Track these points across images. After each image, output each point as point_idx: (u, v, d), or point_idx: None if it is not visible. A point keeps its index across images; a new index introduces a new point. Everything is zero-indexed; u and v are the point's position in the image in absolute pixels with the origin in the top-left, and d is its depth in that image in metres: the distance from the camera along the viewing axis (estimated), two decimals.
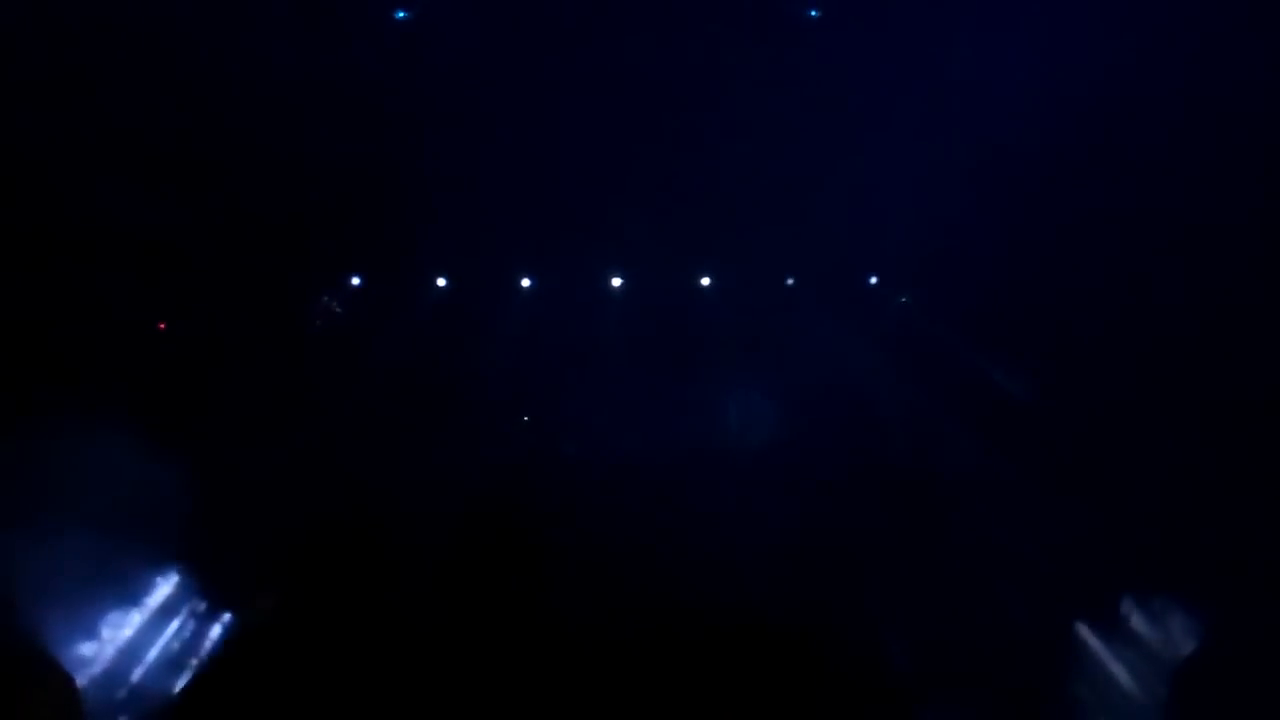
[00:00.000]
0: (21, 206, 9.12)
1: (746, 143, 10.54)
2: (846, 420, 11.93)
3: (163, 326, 11.68)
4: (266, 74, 9.36)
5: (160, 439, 9.56)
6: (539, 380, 13.27)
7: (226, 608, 10.71)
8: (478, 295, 13.37)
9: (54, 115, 8.95)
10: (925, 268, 12.39)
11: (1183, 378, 9.30)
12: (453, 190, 11.14)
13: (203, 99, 9.50)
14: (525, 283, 13.30)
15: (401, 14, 9.49)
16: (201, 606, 10.60)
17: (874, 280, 13.25)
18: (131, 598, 9.98)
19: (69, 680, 7.79)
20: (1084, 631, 10.00)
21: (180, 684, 9.74)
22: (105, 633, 9.58)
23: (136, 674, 9.64)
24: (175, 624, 10.29)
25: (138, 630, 9.90)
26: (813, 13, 9.17)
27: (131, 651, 9.72)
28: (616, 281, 13.20)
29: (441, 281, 13.29)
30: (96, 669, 9.29)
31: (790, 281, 13.14)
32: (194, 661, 10.10)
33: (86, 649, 9.27)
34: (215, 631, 10.50)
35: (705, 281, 13.14)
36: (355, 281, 13.37)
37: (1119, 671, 9.64)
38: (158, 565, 10.38)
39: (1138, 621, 9.69)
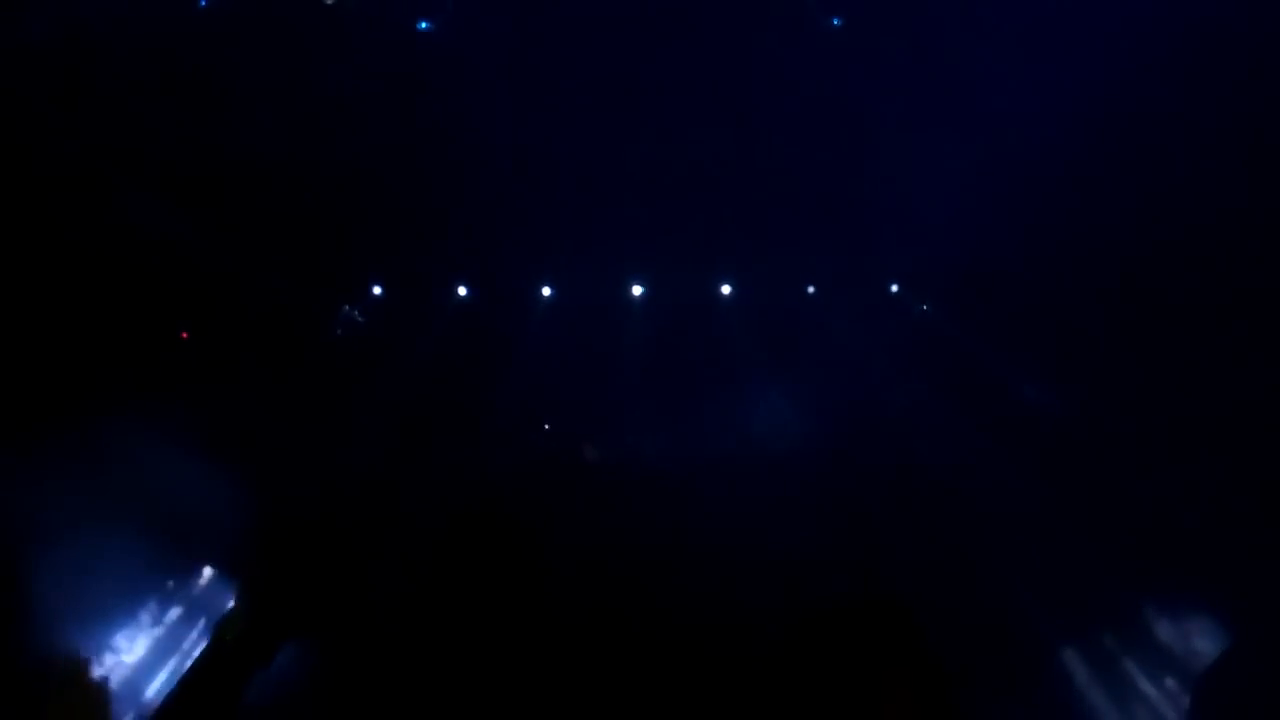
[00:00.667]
0: (38, 216, 9.15)
1: (766, 150, 10.56)
2: (865, 428, 11.91)
3: (185, 335, 11.71)
4: (284, 82, 9.40)
5: (187, 447, 9.61)
6: (559, 387, 13.27)
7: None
8: (498, 304, 13.40)
9: (72, 124, 9.00)
10: (947, 276, 12.36)
11: (1208, 384, 9.25)
12: (472, 198, 11.17)
13: (221, 107, 9.54)
14: (545, 291, 13.33)
15: (424, 24, 9.54)
16: (224, 608, 10.62)
17: (895, 288, 13.23)
18: (150, 605, 10.03)
19: (100, 681, 7.83)
20: (1106, 638, 9.97)
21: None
22: (132, 636, 9.63)
23: (163, 676, 9.71)
24: (199, 627, 10.37)
25: (163, 634, 9.96)
26: (836, 20, 9.19)
27: (159, 653, 9.79)
28: (637, 289, 13.21)
29: (462, 290, 13.33)
30: (126, 671, 9.34)
31: (811, 289, 13.13)
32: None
33: (116, 651, 9.32)
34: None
35: (725, 289, 13.14)
36: (376, 291, 13.43)
37: (1141, 678, 9.61)
38: (184, 569, 10.45)
39: (1159, 627, 9.66)
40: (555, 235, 11.97)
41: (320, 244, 12.07)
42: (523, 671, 9.14)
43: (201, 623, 10.42)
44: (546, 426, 13.40)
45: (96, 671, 7.74)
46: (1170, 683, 9.36)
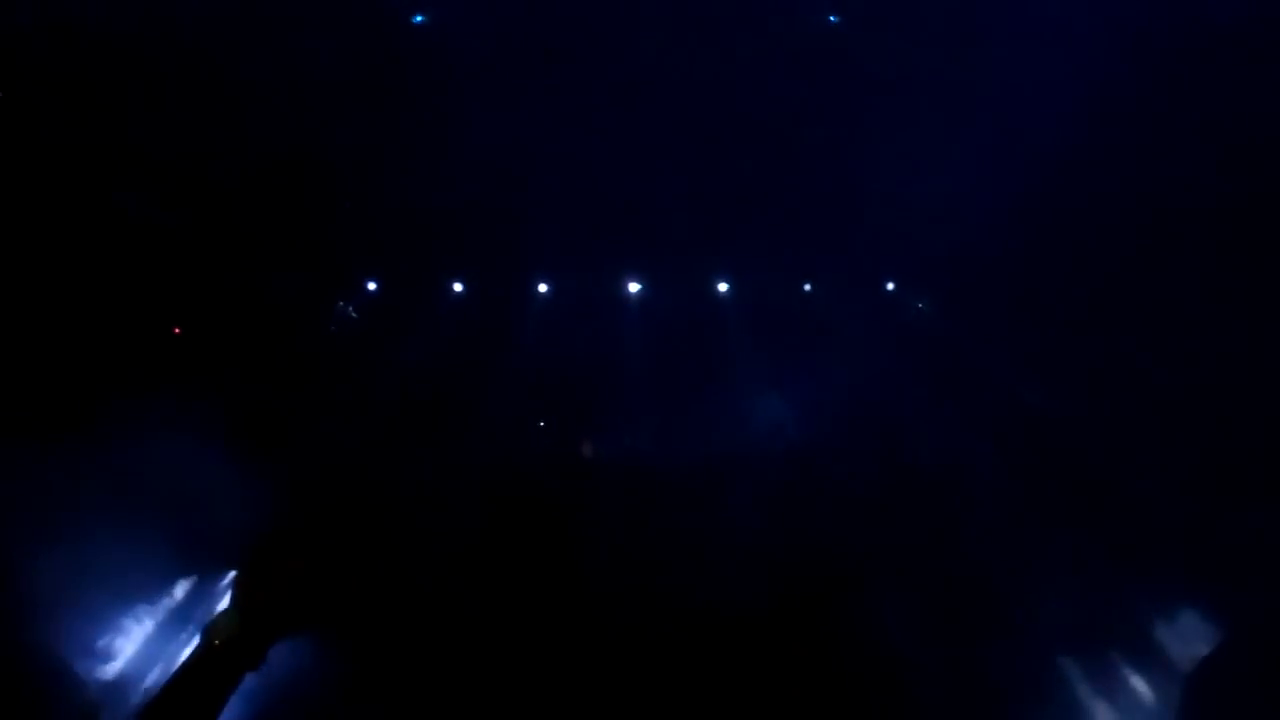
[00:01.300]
0: (29, 213, 9.12)
1: (762, 148, 10.55)
2: (861, 424, 11.92)
3: (178, 331, 11.69)
4: (281, 75, 9.37)
5: (179, 445, 9.60)
6: (555, 385, 13.29)
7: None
8: (493, 300, 13.39)
9: (63, 121, 8.97)
10: (942, 273, 12.38)
11: (1200, 380, 9.27)
12: (469, 195, 11.14)
13: (217, 100, 9.51)
14: (541, 288, 13.32)
15: (419, 18, 9.50)
16: (216, 606, 10.64)
17: (891, 286, 13.25)
18: (148, 603, 10.02)
19: (86, 689, 7.83)
20: (1098, 634, 10.00)
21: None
22: (122, 640, 9.61)
23: (152, 680, 9.70)
24: (191, 628, 10.36)
25: (154, 636, 9.94)
26: (832, 18, 9.18)
27: (148, 657, 9.77)
28: (634, 287, 13.21)
29: (458, 286, 13.31)
30: (112, 676, 9.32)
31: (807, 287, 13.14)
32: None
33: (103, 657, 9.30)
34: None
35: (722, 287, 13.14)
36: (371, 287, 13.41)
37: (1133, 675, 9.64)
38: (175, 571, 10.43)
39: (1150, 624, 9.69)
40: (551, 232, 11.95)
41: (314, 240, 12.05)
42: (523, 660, 9.17)
43: (195, 618, 10.45)
44: (542, 424, 13.42)
45: (83, 678, 7.77)
46: (1162, 679, 9.39)
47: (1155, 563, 9.56)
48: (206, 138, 9.86)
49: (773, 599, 10.49)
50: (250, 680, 3.13)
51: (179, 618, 10.28)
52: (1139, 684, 9.59)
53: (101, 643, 9.30)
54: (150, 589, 10.06)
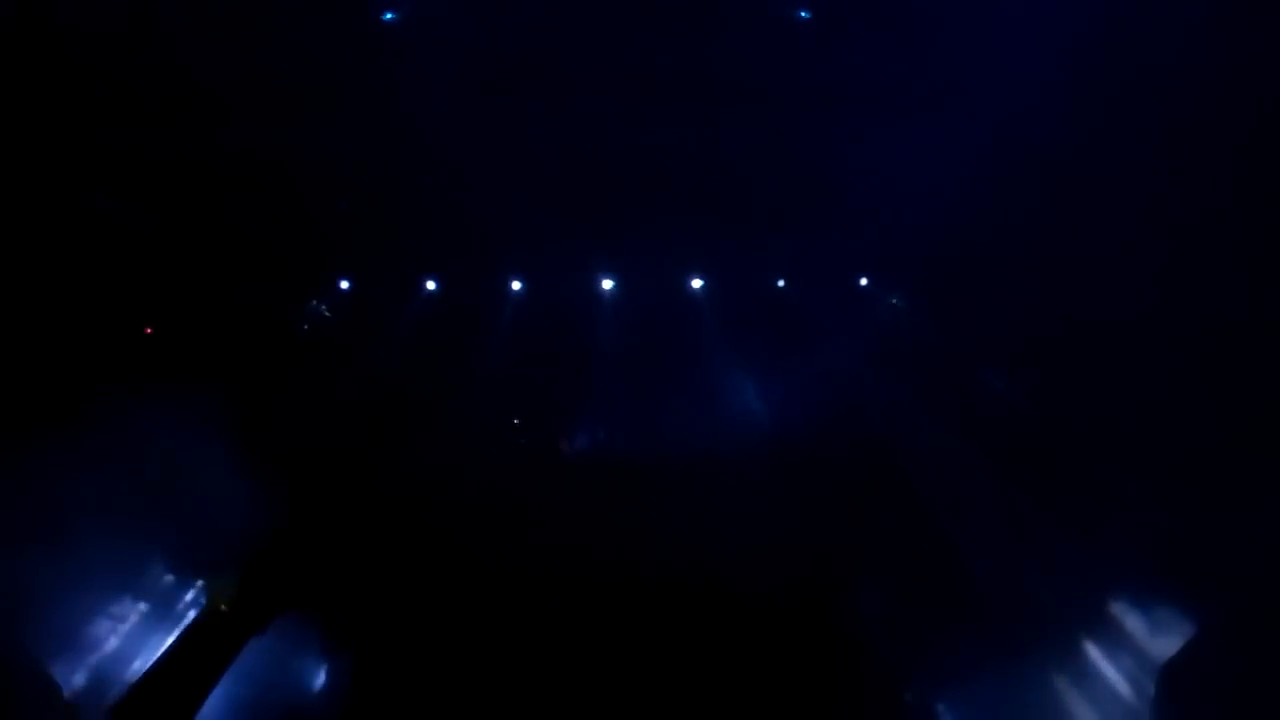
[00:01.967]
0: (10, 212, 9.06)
1: (737, 145, 10.53)
2: (836, 419, 11.95)
3: (149, 331, 11.62)
4: (251, 76, 9.29)
5: (150, 443, 9.55)
6: (533, 381, 13.28)
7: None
8: (467, 298, 13.35)
9: (36, 123, 8.89)
10: (916, 268, 12.40)
11: (1172, 378, 9.31)
12: (441, 192, 11.09)
13: (187, 102, 9.43)
14: (515, 285, 13.28)
15: (389, 15, 9.43)
16: (191, 608, 10.61)
17: (864, 281, 13.28)
18: (121, 603, 9.97)
19: (55, 689, 7.76)
20: (1073, 629, 10.05)
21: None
22: (95, 639, 9.56)
23: (125, 680, 9.65)
24: (166, 628, 10.31)
25: (128, 636, 9.89)
26: (803, 14, 9.14)
27: (121, 658, 9.72)
28: (608, 284, 13.19)
29: (431, 285, 13.26)
30: (84, 676, 9.27)
31: (781, 283, 13.16)
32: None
33: (75, 656, 9.24)
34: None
35: (696, 283, 13.14)
36: (344, 285, 13.34)
37: (1108, 669, 9.69)
38: (149, 570, 10.38)
39: (1125, 620, 9.75)
40: (524, 230, 11.90)
41: (286, 239, 11.97)
42: (502, 651, 9.14)
43: (174, 613, 10.45)
44: (516, 421, 13.40)
45: (52, 678, 7.73)
46: (1136, 672, 9.45)
47: (1131, 553, 9.61)
48: (176, 139, 9.81)
49: (751, 588, 10.53)
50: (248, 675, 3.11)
51: (157, 613, 10.26)
52: (1111, 675, 9.66)
53: (82, 639, 9.29)
54: (125, 585, 10.04)
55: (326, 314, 13.27)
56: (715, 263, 12.92)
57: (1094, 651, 9.89)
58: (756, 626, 10.40)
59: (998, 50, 8.51)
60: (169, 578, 10.49)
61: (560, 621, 10.41)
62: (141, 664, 9.76)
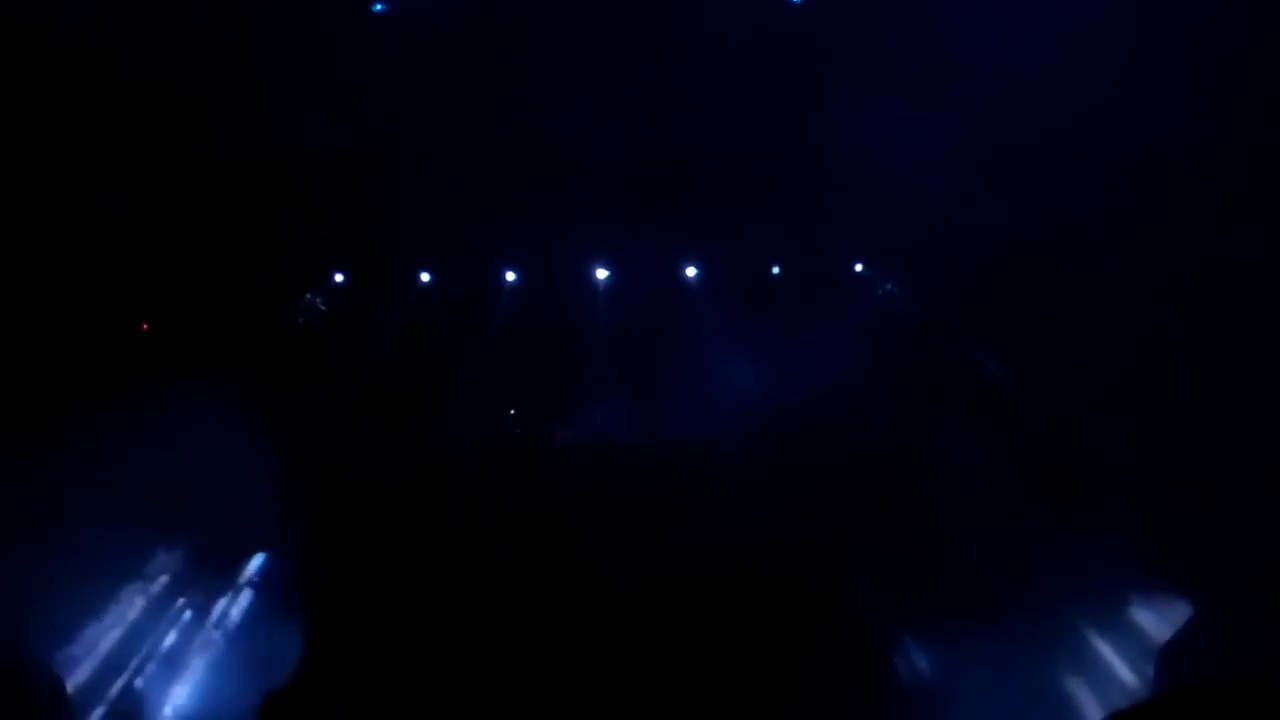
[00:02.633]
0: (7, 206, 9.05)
1: (730, 128, 10.49)
2: (832, 405, 11.93)
3: (145, 327, 11.61)
4: (245, 69, 9.28)
5: (145, 438, 9.55)
6: (527, 371, 13.28)
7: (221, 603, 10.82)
8: (461, 289, 13.35)
9: (31, 117, 8.87)
10: (911, 255, 12.38)
11: (1170, 370, 9.29)
12: (432, 184, 11.07)
13: (180, 95, 9.41)
14: (509, 276, 13.28)
15: (379, 6, 9.42)
16: (192, 603, 10.65)
17: (860, 267, 13.25)
18: (123, 599, 9.99)
19: (56, 681, 7.78)
20: (1071, 616, 10.06)
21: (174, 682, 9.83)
22: (94, 633, 9.58)
23: (126, 674, 9.67)
24: (166, 623, 10.34)
25: (128, 630, 9.92)
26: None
27: (121, 651, 9.74)
28: (601, 273, 13.18)
29: (425, 276, 13.26)
30: (85, 670, 9.29)
31: (775, 270, 13.14)
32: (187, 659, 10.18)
33: (75, 649, 9.27)
34: (207, 628, 10.57)
35: (690, 271, 13.13)
36: (338, 278, 13.34)
37: (1109, 651, 9.70)
38: (149, 566, 10.41)
39: (1124, 606, 9.75)
40: (517, 220, 11.89)
41: (280, 232, 11.96)
42: (503, 644, 9.17)
43: (180, 602, 10.55)
44: (513, 411, 13.41)
45: (53, 670, 7.74)
46: (1136, 655, 9.46)
47: (1123, 541, 9.61)
48: (171, 132, 9.78)
49: (750, 577, 10.54)
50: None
51: (160, 609, 10.35)
52: (1112, 659, 9.68)
53: (83, 635, 9.34)
54: (126, 581, 10.08)
55: (321, 307, 13.28)
56: (709, 250, 12.91)
57: (1096, 638, 9.91)
58: (756, 615, 10.41)
59: (999, 28, 8.46)
60: (168, 574, 10.55)
61: (557, 610, 10.42)
62: (144, 661, 9.83)
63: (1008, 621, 9.70)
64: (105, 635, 9.68)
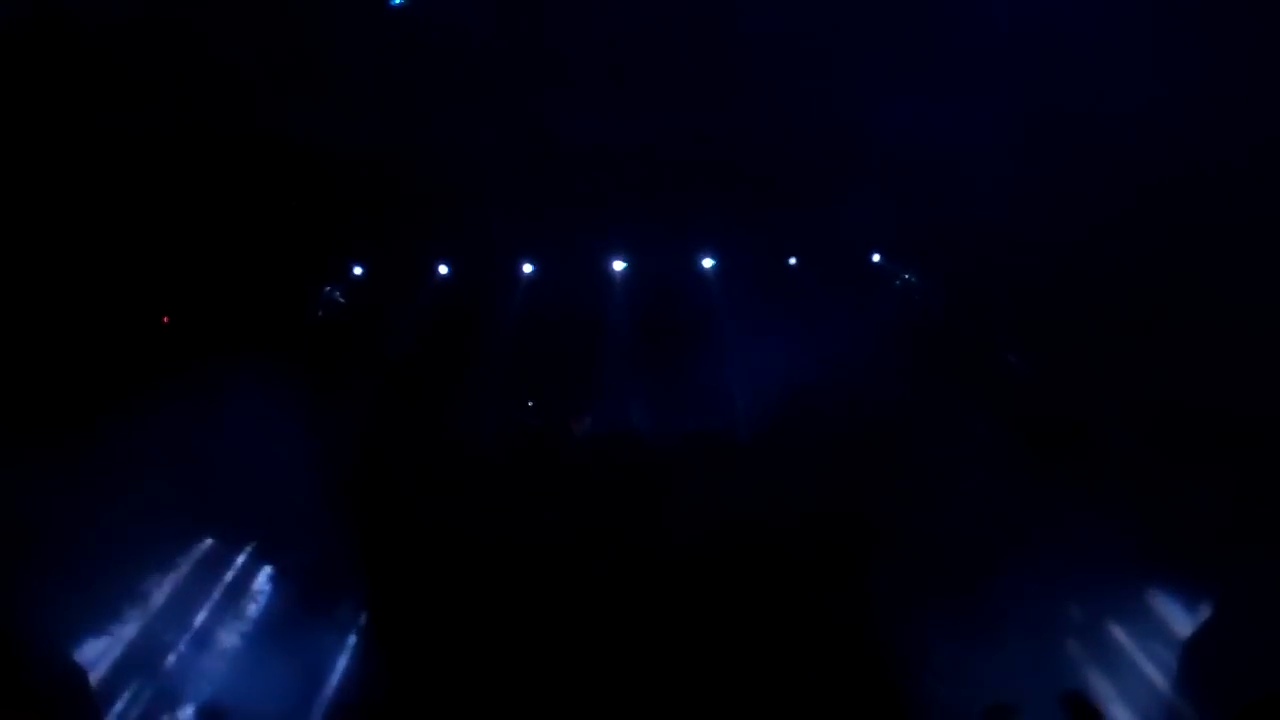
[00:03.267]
0: (14, 204, 9.10)
1: (749, 116, 10.43)
2: (849, 399, 11.90)
3: (166, 320, 11.69)
4: (263, 59, 9.31)
5: (168, 431, 9.62)
6: (545, 362, 13.31)
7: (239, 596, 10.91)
8: (479, 282, 13.37)
9: (43, 112, 8.93)
10: (930, 245, 12.31)
11: (1185, 365, 9.23)
12: (449, 176, 11.09)
13: (198, 86, 9.45)
14: (527, 268, 13.30)
15: (398, 1, 9.42)
16: (215, 596, 10.74)
17: (877, 258, 13.20)
18: (143, 593, 10.08)
19: (80, 672, 7.86)
20: (1097, 609, 10.03)
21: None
22: (125, 622, 9.69)
23: (156, 662, 9.78)
24: (195, 611, 10.44)
25: (158, 619, 10.03)
26: None
27: (151, 640, 9.85)
28: (619, 265, 13.18)
29: (443, 269, 13.29)
30: (113, 658, 9.40)
31: (793, 260, 13.11)
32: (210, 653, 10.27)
33: (106, 638, 9.37)
34: (229, 621, 10.66)
35: (707, 262, 13.11)
36: (357, 272, 13.40)
37: (1132, 647, 9.68)
38: (170, 557, 10.50)
39: (1148, 600, 9.73)
40: (534, 212, 11.89)
41: (300, 226, 12.00)
42: (519, 633, 9.20)
43: (207, 585, 10.70)
44: (530, 403, 13.43)
45: (77, 662, 7.80)
46: (1160, 649, 9.45)
47: (1146, 541, 9.57)
48: (188, 124, 9.82)
49: (767, 566, 10.54)
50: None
51: (180, 601, 10.45)
52: (1135, 654, 9.66)
53: (105, 627, 9.45)
54: (148, 571, 10.17)
55: (340, 300, 13.34)
56: (726, 241, 12.87)
57: (1116, 630, 9.88)
58: (774, 605, 10.42)
59: (1026, 16, 8.35)
60: (189, 565, 10.64)
61: (575, 599, 10.46)
62: (174, 648, 9.93)
63: (1024, 612, 9.71)
64: (135, 624, 9.79)
